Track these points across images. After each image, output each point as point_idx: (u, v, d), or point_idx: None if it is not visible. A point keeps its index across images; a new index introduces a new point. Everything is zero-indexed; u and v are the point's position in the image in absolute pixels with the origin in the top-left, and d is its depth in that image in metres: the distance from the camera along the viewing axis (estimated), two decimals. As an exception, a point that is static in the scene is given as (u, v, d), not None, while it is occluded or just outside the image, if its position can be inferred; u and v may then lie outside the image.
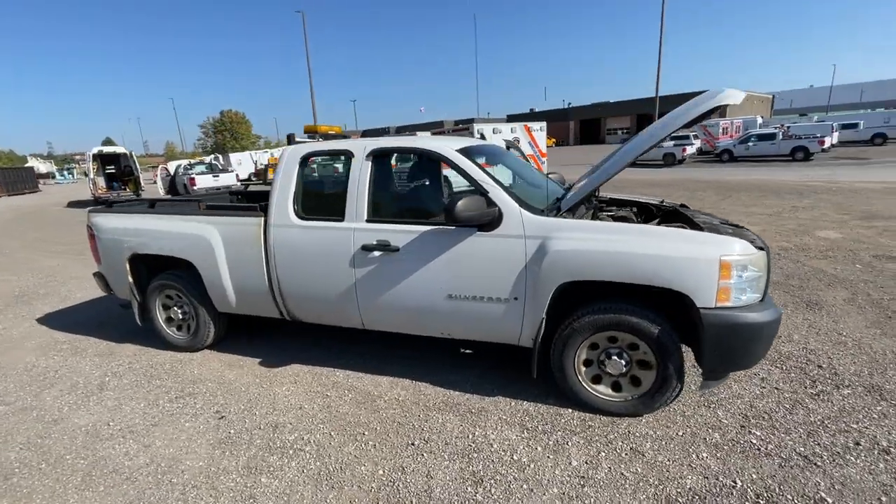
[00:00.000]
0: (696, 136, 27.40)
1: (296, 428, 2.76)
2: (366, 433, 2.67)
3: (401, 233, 2.93)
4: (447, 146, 3.00)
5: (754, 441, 2.40)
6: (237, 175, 17.09)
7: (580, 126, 56.72)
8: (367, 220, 3.04)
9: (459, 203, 2.55)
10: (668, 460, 2.30)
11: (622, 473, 2.22)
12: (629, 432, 2.53)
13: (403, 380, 3.26)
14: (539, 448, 2.45)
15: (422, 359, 3.52)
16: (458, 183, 3.54)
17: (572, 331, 2.65)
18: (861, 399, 2.73)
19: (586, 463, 2.31)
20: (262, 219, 3.32)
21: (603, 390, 2.72)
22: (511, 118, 58.07)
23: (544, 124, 16.24)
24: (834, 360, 3.20)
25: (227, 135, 68.49)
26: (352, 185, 3.10)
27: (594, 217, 3.10)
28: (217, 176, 16.40)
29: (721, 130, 28.66)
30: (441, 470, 2.33)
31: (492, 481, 2.23)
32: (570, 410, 2.76)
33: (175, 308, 3.88)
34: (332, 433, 2.69)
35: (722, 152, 24.84)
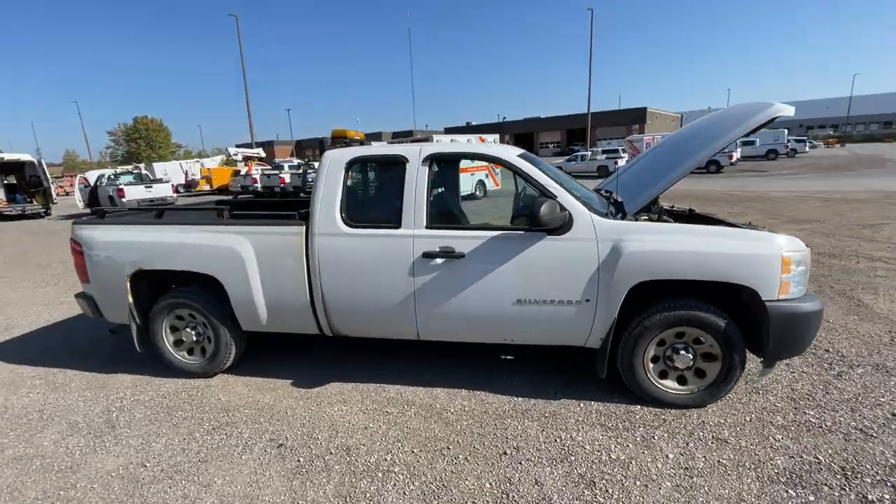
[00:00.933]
0: (623, 150, 29.72)
1: (371, 449, 2.58)
2: (450, 447, 2.57)
3: (466, 239, 2.89)
4: (509, 152, 3.02)
5: (813, 420, 2.65)
6: (174, 185, 15.70)
7: (514, 140, 59.18)
8: (427, 227, 2.95)
9: (543, 207, 2.58)
10: (751, 444, 2.46)
11: (719, 461, 2.34)
12: (703, 422, 2.68)
13: (459, 390, 3.18)
14: (630, 445, 2.51)
15: (463, 367, 3.47)
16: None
17: (643, 329, 2.76)
18: (874, 376, 3.11)
19: (682, 455, 2.41)
20: (304, 228, 3.11)
21: (670, 385, 2.86)
22: (448, 130, 59.22)
23: (497, 137, 16.81)
24: (835, 344, 3.62)
25: (141, 143, 62.73)
26: (408, 191, 3.01)
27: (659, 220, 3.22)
28: (150, 187, 14.95)
29: (645, 145, 31.40)
30: (547, 476, 2.30)
31: (604, 482, 2.24)
32: (638, 406, 2.87)
33: (188, 329, 3.47)
34: (415, 451, 2.55)
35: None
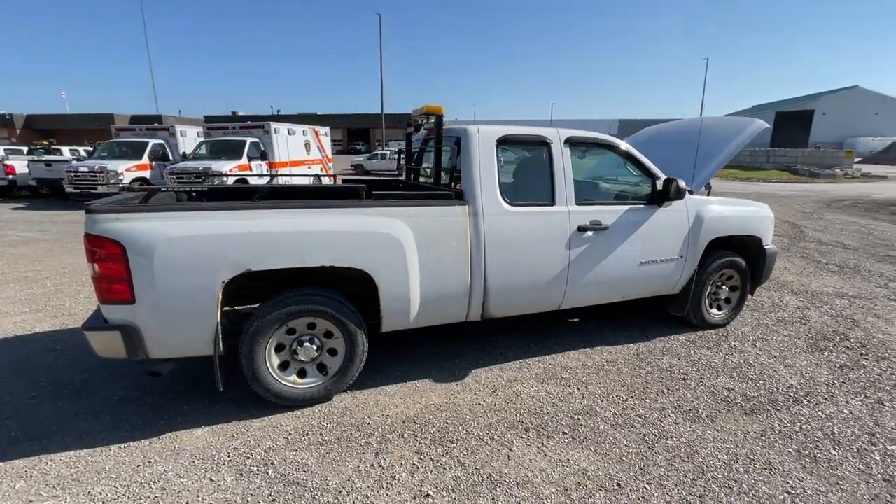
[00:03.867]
0: (413, 151, 32.45)
1: (604, 406, 2.80)
2: (648, 385, 3.03)
3: (609, 213, 3.33)
4: (622, 141, 3.56)
5: (778, 317, 4.24)
6: None
7: (289, 134, 55.94)
8: (577, 203, 3.25)
9: (680, 184, 3.30)
10: (777, 337, 3.83)
11: (780, 349, 3.59)
12: (742, 333, 3.93)
13: (584, 349, 3.58)
14: (734, 353, 3.52)
15: (561, 333, 3.87)
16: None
17: (708, 274, 3.82)
18: (767, 293, 5.06)
19: (762, 351, 3.56)
20: (466, 207, 2.92)
21: (715, 312, 4.02)
22: (208, 119, 51.70)
23: (328, 129, 16.16)
24: (725, 278, 5.59)
25: None
26: (557, 170, 3.22)
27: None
28: None
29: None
30: (726, 383, 3.07)
31: (754, 375, 3.16)
32: (701, 332, 3.93)
33: (306, 344, 2.70)
34: (633, 397, 2.90)
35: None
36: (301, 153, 14.23)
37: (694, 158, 4.10)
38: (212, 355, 2.48)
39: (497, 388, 3.00)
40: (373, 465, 2.27)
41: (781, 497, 2.07)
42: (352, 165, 28.69)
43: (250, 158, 11.95)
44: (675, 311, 3.91)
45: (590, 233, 3.26)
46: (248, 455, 2.35)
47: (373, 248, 2.67)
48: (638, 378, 3.14)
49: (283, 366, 2.72)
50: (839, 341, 3.74)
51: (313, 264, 2.55)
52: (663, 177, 3.53)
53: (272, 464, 2.28)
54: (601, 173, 4.10)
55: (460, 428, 2.57)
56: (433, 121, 3.49)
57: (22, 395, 2.93)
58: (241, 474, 2.21)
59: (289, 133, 13.48)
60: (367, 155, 29.74)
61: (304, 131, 14.42)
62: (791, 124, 32.44)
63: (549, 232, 3.15)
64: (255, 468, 2.25)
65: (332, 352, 2.81)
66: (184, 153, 12.75)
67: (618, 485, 2.14)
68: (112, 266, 2.25)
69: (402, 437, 2.50)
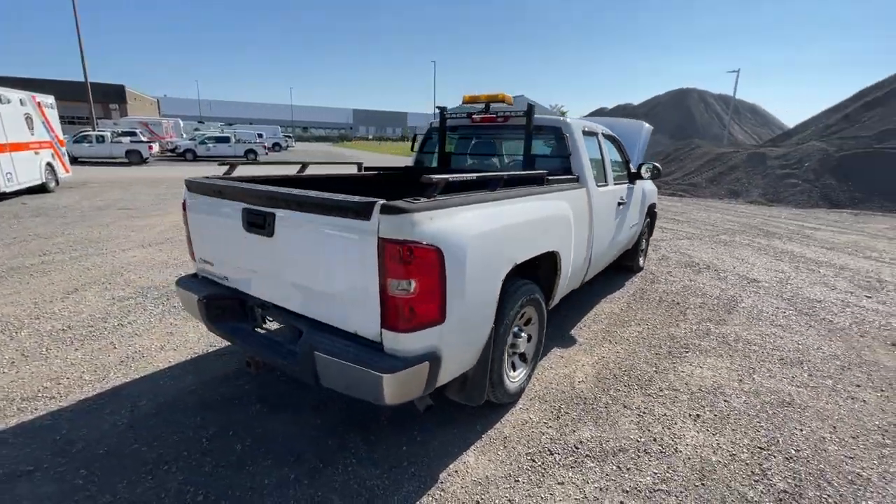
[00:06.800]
0: (142, 133, 25.85)
1: (684, 329, 3.79)
2: (668, 310, 4.21)
3: (623, 190, 4.30)
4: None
5: (671, 257, 6.25)
6: None
7: None
8: (614, 183, 4.09)
9: (654, 167, 4.56)
10: (674, 269, 5.71)
11: (686, 276, 5.43)
12: (661, 269, 5.67)
13: (602, 300, 4.52)
14: (672, 283, 5.13)
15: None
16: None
17: (645, 232, 5.35)
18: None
19: (681, 279, 5.31)
20: (585, 189, 3.35)
21: (641, 260, 5.63)
22: None
23: (54, 100, 11.54)
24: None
25: None
26: (605, 155, 3.96)
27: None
28: None
29: (164, 131, 28.69)
30: (695, 300, 4.57)
31: (700, 293, 4.80)
32: (640, 273, 5.46)
33: (522, 335, 2.62)
34: (680, 321, 4.01)
35: (185, 151, 25.49)
36: (23, 133, 9.80)
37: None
38: (469, 370, 2.19)
39: (609, 340, 3.60)
40: (639, 416, 2.59)
41: (825, 353, 3.55)
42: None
43: (-56, 138, 7.60)
44: (629, 260, 5.30)
45: (621, 206, 4.16)
46: (549, 452, 2.26)
47: (561, 230, 2.82)
48: (659, 309, 4.30)
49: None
50: (700, 267, 5.92)
51: (540, 252, 2.54)
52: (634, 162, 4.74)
53: (576, 449, 2.30)
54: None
55: (636, 371, 3.10)
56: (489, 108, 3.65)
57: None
58: (572, 467, 2.17)
59: (4, 101, 9.05)
60: (73, 136, 22.00)
61: (21, 100, 9.88)
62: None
63: (611, 205, 3.88)
64: (574, 458, 2.23)
65: (528, 338, 2.80)
66: None
67: (768, 371, 3.17)
68: (430, 279, 1.74)
69: (617, 390, 2.85)
